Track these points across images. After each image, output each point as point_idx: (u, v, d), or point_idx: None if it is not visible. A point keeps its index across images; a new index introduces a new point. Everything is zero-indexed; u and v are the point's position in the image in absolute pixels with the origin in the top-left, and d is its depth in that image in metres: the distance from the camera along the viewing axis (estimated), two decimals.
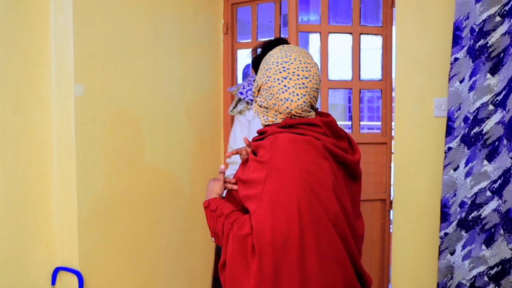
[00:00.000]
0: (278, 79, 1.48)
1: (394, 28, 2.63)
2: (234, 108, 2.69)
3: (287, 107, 1.48)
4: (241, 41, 3.36)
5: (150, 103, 2.71)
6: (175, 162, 2.88)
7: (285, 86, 1.47)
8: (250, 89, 2.61)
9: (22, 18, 2.33)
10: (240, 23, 3.33)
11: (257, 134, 1.58)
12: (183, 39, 2.93)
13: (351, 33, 2.85)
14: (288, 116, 1.51)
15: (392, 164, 2.68)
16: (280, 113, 1.52)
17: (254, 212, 1.38)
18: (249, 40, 3.30)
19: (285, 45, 1.59)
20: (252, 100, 2.51)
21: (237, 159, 2.53)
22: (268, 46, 1.63)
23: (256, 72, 1.65)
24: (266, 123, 1.56)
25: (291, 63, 1.49)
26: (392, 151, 2.72)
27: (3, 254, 2.29)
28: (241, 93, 2.64)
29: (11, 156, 2.31)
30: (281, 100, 1.48)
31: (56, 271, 2.45)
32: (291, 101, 1.47)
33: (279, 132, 1.48)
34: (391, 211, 2.66)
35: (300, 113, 1.49)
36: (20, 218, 2.35)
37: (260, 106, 1.57)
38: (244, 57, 3.34)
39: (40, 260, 2.44)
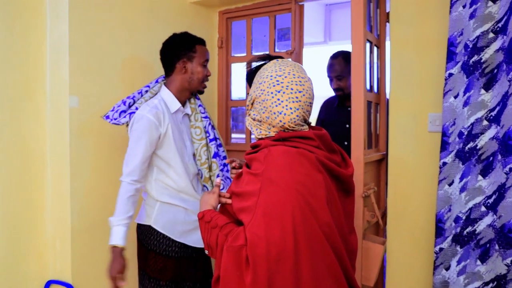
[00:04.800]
0: (272, 93, 1.49)
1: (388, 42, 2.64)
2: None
3: (280, 121, 1.48)
4: (236, 55, 3.37)
5: None
6: None
7: (278, 99, 1.48)
8: (120, 110, 2.21)
9: (18, 30, 2.34)
10: (234, 37, 3.35)
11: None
12: None
13: (370, 42, 2.60)
14: (281, 129, 1.51)
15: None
16: (273, 127, 1.52)
17: (248, 224, 1.38)
18: (244, 54, 3.31)
19: (280, 59, 1.59)
20: (116, 123, 2.19)
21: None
22: (263, 60, 1.64)
23: (250, 86, 1.65)
24: (260, 137, 1.56)
25: (285, 77, 1.50)
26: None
27: None
28: (107, 117, 2.23)
29: (5, 167, 2.30)
30: (275, 113, 1.48)
31: (48, 284, 2.43)
32: (284, 114, 1.47)
33: (272, 145, 1.48)
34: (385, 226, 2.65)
35: (293, 127, 1.49)
36: (13, 230, 2.34)
37: (254, 120, 1.57)
38: (239, 71, 3.34)
39: (32, 272, 2.42)
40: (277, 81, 1.49)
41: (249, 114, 1.60)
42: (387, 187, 2.58)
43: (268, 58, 1.64)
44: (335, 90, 3.01)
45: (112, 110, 2.23)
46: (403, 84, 2.46)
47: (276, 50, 3.19)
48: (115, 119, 2.21)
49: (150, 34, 2.79)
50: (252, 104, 1.58)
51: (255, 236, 1.34)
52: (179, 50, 2.27)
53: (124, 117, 2.20)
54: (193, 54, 2.27)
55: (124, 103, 2.24)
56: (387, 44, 2.67)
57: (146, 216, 2.28)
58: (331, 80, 3.01)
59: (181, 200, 2.28)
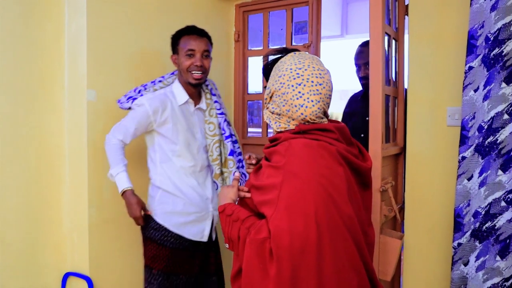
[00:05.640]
0: (292, 86, 1.48)
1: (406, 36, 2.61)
2: None
3: (302, 113, 1.47)
4: (252, 48, 3.36)
5: None
6: None
7: (299, 92, 1.47)
8: (129, 96, 2.35)
9: (36, 23, 2.35)
10: (251, 31, 3.34)
11: None
12: None
13: (389, 36, 2.56)
14: (302, 122, 1.50)
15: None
16: (293, 120, 1.51)
17: (271, 217, 1.37)
18: (261, 48, 3.30)
19: (297, 52, 1.58)
20: (121, 107, 2.35)
21: None
22: (279, 53, 1.63)
23: (267, 80, 1.64)
24: (279, 130, 1.55)
25: (305, 69, 1.49)
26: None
27: (13, 258, 2.30)
28: (119, 101, 2.37)
29: (24, 161, 2.32)
30: (295, 106, 1.47)
31: (66, 276, 2.45)
32: (306, 107, 1.46)
33: (293, 138, 1.47)
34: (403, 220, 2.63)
35: (314, 120, 1.49)
36: (31, 222, 2.36)
37: (272, 113, 1.57)
38: (255, 64, 3.32)
39: (50, 264, 2.44)
40: (297, 74, 1.49)
41: (268, 108, 1.59)
42: (404, 181, 2.56)
43: (284, 51, 1.63)
44: (361, 78, 2.94)
45: (125, 96, 2.35)
46: (422, 77, 2.44)
47: (293, 43, 3.17)
48: (121, 103, 2.34)
49: (167, 28, 2.78)
50: (270, 97, 1.57)
51: (279, 228, 1.34)
52: (171, 46, 2.40)
53: (127, 102, 2.32)
54: (177, 47, 2.36)
55: (135, 90, 2.36)
56: (406, 37, 2.64)
57: (148, 206, 2.35)
58: (358, 69, 2.94)
59: (180, 191, 2.33)
